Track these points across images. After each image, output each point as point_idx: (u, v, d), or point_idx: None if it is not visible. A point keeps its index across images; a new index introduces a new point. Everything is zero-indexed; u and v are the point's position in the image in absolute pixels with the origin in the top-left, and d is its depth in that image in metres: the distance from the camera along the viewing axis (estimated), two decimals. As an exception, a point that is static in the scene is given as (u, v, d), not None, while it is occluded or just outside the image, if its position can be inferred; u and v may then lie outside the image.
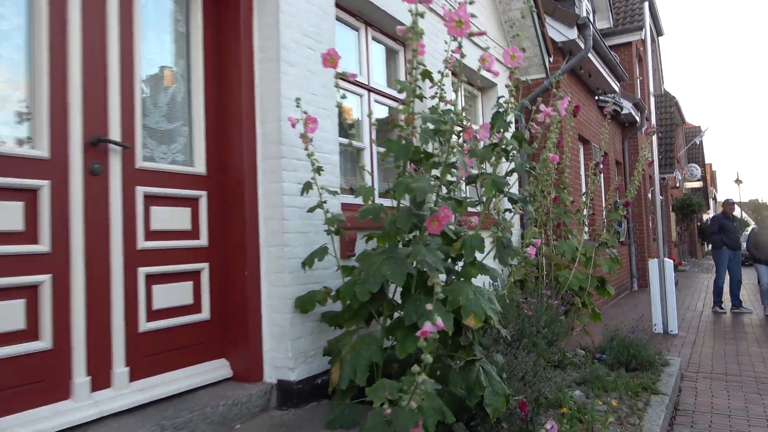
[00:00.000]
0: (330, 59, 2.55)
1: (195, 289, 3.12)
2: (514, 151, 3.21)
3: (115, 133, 2.73)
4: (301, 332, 3.19)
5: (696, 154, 31.42)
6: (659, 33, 19.48)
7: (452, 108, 2.65)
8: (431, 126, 2.57)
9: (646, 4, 8.42)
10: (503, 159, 3.12)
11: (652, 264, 8.00)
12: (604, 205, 10.48)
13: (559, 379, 4.68)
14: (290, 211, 3.19)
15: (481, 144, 3.14)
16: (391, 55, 4.90)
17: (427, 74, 2.68)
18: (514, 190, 6.64)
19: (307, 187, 3.00)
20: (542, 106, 2.92)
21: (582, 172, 10.06)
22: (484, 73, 2.96)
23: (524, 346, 4.36)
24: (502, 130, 3.07)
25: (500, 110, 3.08)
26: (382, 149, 2.96)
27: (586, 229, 8.65)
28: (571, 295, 6.03)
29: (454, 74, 5.73)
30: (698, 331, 8.33)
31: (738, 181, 42.46)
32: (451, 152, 2.51)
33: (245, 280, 3.17)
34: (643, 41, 9.79)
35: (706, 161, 37.52)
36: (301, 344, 3.19)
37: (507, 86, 3.06)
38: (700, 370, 6.00)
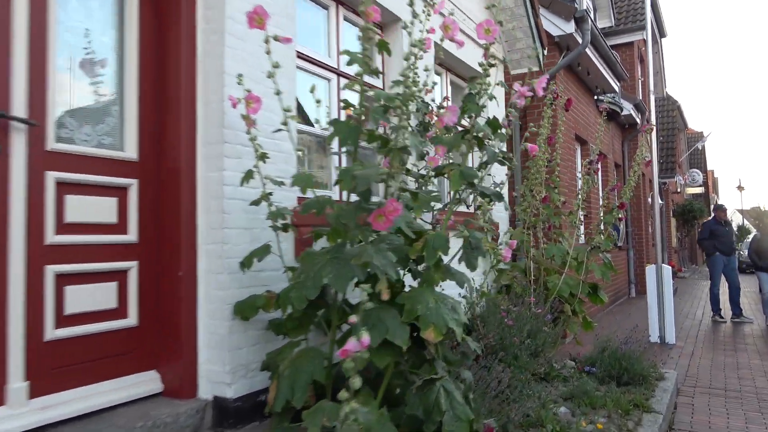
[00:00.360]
0: (257, 19, 2.16)
1: (120, 290, 2.73)
2: (488, 140, 2.83)
3: (19, 108, 2.35)
4: (241, 342, 2.80)
5: (698, 160, 31.03)
6: (662, 34, 19.09)
7: (404, 80, 2.24)
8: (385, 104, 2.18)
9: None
10: (475, 148, 2.74)
11: (650, 270, 7.61)
12: (601, 206, 10.09)
13: (544, 394, 4.30)
14: (232, 204, 2.81)
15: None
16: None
17: (383, 45, 2.29)
18: (505, 182, 6.27)
19: (248, 176, 2.61)
20: (516, 86, 2.54)
21: (579, 174, 9.67)
22: (460, 55, 2.58)
23: (503, 359, 3.97)
24: (474, 114, 2.68)
25: (472, 92, 2.69)
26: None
27: (582, 231, 8.28)
28: (560, 302, 5.64)
29: (439, 64, 5.36)
30: (697, 341, 7.93)
31: (740, 188, 42.08)
32: (402, 134, 2.11)
33: (179, 282, 2.79)
34: (645, 41, 9.39)
35: (708, 167, 37.13)
36: (242, 356, 2.80)
37: (480, 64, 2.67)
38: (697, 385, 5.61)
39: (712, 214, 10.26)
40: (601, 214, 6.31)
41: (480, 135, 2.64)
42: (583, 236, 8.49)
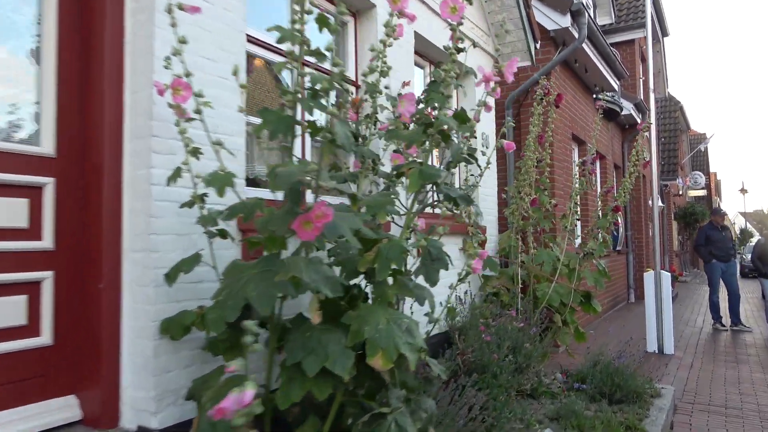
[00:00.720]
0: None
1: (31, 305, 2.37)
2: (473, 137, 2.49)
3: None
4: (171, 364, 2.45)
5: (700, 162, 30.60)
6: (664, 33, 18.69)
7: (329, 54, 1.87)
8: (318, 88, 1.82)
9: (648, -9, 7.66)
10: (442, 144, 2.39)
11: (648, 277, 7.25)
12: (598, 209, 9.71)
13: (528, 414, 3.95)
14: (162, 207, 2.45)
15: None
16: (341, 26, 4.17)
17: (322, 20, 1.93)
18: (492, 188, 5.93)
19: (175, 174, 2.26)
20: (482, 69, 2.18)
21: (576, 176, 9.30)
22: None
23: (482, 379, 3.61)
24: (438, 105, 2.33)
25: (436, 79, 2.34)
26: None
27: (578, 236, 7.92)
28: (551, 312, 5.29)
29: (417, 54, 5.00)
30: (696, 351, 7.56)
31: (743, 191, 41.69)
32: (335, 124, 1.76)
33: (100, 295, 2.44)
34: (645, 38, 8.98)
35: (711, 170, 36.66)
36: (171, 380, 2.45)
37: (446, 48, 2.31)
38: (696, 401, 5.24)
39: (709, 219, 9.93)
40: (599, 218, 5.95)
41: (445, 128, 2.28)
42: (580, 240, 8.14)
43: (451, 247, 4.69)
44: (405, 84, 4.19)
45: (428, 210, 4.34)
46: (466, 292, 4.85)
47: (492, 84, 2.21)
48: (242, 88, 2.22)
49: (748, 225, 49.25)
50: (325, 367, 2.01)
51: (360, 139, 3.22)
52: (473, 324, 4.20)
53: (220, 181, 1.99)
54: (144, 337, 2.41)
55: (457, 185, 5.52)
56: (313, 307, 1.84)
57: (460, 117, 2.33)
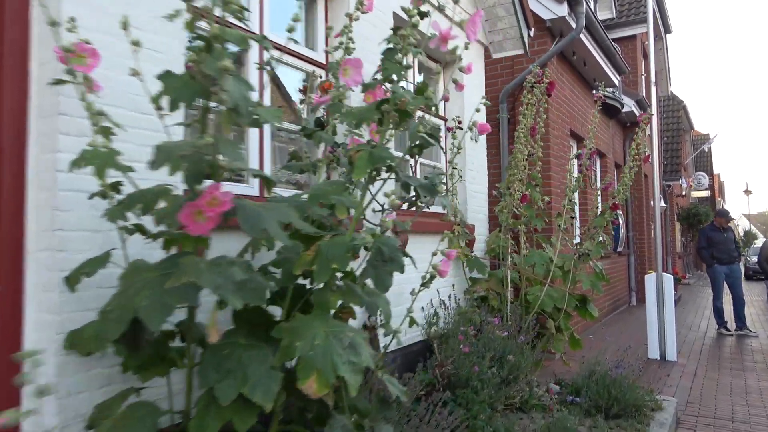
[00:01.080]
0: None
1: None
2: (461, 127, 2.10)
3: None
4: (80, 385, 2.07)
5: (704, 163, 30.21)
6: (667, 30, 18.30)
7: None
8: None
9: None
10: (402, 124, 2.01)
11: (649, 279, 6.86)
12: (600, 208, 9.32)
13: (516, 431, 3.58)
14: (70, 198, 2.08)
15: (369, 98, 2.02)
16: (310, 5, 3.80)
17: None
18: (482, 184, 5.55)
19: (80, 158, 1.88)
20: (436, 24, 1.80)
21: (575, 174, 8.92)
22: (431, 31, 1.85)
23: (462, 395, 3.24)
24: (395, 77, 1.96)
25: (393, 45, 1.96)
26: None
27: (577, 236, 7.53)
28: (544, 317, 4.91)
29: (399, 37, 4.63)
30: (700, 357, 7.17)
31: (747, 192, 41.24)
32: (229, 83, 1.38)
33: (-2, 302, 2.07)
34: (647, 34, 8.56)
35: (715, 170, 36.23)
36: (82, 403, 2.07)
37: (404, 9, 1.94)
38: (700, 413, 4.85)
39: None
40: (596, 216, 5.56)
41: (399, 102, 1.91)
42: (578, 240, 7.76)
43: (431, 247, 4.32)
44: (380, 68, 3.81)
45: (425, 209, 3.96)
46: (450, 296, 4.47)
47: (450, 45, 1.83)
48: (134, 45, 1.84)
49: (752, 227, 48.77)
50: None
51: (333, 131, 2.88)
52: (455, 332, 3.82)
53: (99, 158, 1.61)
54: (48, 352, 2.03)
55: (451, 185, 5.13)
56: (210, 322, 1.47)
57: (420, 90, 1.96)
